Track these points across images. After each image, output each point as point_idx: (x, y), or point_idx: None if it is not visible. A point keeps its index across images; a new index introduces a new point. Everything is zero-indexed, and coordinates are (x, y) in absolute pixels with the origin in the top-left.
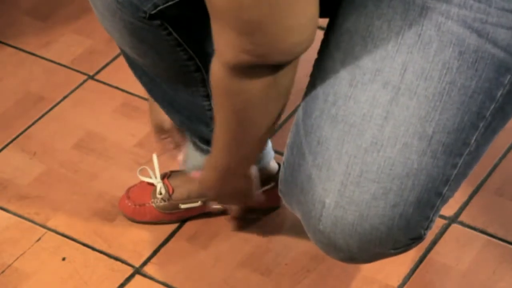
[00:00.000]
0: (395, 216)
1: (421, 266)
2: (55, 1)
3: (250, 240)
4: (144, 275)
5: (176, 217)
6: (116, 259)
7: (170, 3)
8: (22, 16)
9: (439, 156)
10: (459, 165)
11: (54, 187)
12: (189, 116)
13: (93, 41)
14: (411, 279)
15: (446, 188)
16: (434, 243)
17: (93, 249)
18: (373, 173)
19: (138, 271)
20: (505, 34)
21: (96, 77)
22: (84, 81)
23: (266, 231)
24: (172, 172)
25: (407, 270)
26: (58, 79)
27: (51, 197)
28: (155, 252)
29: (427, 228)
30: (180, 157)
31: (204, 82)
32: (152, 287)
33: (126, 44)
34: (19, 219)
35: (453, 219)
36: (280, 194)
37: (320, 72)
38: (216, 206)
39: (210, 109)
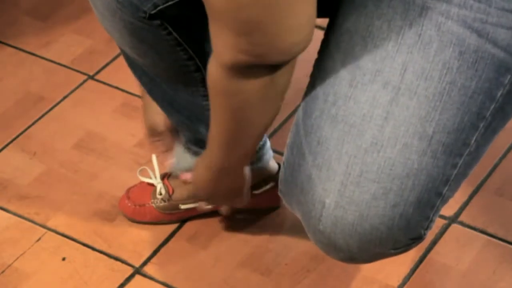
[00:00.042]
0: (395, 216)
1: (421, 266)
2: (55, 1)
3: (250, 240)
4: (144, 275)
5: (176, 217)
6: (116, 259)
7: (170, 3)
8: (22, 16)
9: (439, 156)
10: (459, 165)
11: (54, 187)
12: (189, 116)
13: (93, 41)
14: (411, 279)
15: (446, 188)
16: (434, 243)
17: (93, 249)
18: (373, 173)
19: (138, 271)
20: (505, 34)
21: (96, 77)
22: (84, 81)
23: (266, 231)
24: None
25: (407, 270)
26: (58, 79)
27: (51, 197)
28: (155, 252)
29: (427, 228)
30: (169, 160)
31: (204, 82)
32: (152, 287)
33: (126, 44)
34: (19, 219)
35: (453, 219)
36: (280, 194)
37: (320, 72)
38: (207, 206)
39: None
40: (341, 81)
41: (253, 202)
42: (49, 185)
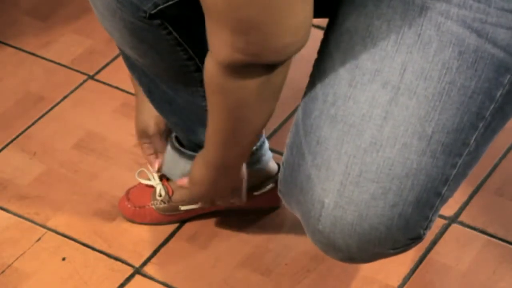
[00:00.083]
0: (394, 216)
1: (421, 266)
2: (55, 1)
3: (250, 240)
4: (144, 275)
5: (176, 218)
6: (116, 259)
7: (170, 2)
8: (22, 16)
9: (438, 156)
10: (458, 165)
11: (54, 187)
12: (187, 117)
13: (93, 41)
14: (411, 279)
15: (446, 188)
16: (434, 243)
17: (93, 249)
18: (372, 173)
19: (138, 271)
20: (504, 34)
21: (96, 77)
22: (84, 81)
23: (266, 231)
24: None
25: (407, 270)
26: (58, 79)
27: (51, 197)
28: (155, 252)
29: (427, 228)
30: (156, 164)
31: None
32: (152, 287)
33: (126, 44)
34: (19, 219)
35: (453, 219)
36: (279, 194)
37: (320, 72)
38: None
39: None
40: (340, 81)
41: (253, 202)
42: (49, 185)
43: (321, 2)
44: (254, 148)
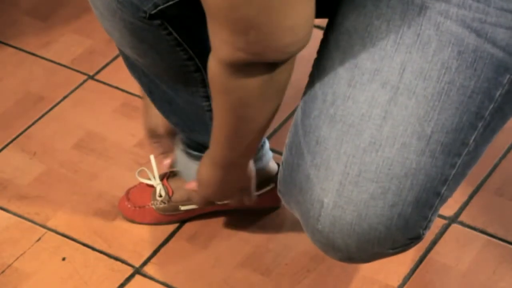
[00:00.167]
0: (393, 216)
1: (421, 266)
2: (55, 1)
3: (250, 240)
4: (144, 275)
5: (176, 218)
6: (116, 259)
7: (170, 2)
8: (22, 16)
9: (437, 156)
10: (457, 165)
11: (54, 187)
12: (188, 116)
13: (93, 41)
14: (411, 279)
15: (445, 188)
16: (434, 243)
17: (93, 249)
18: (371, 173)
19: (138, 271)
20: (504, 34)
21: (96, 77)
22: (84, 81)
23: (266, 231)
24: (171, 172)
25: (407, 270)
26: (58, 79)
27: (51, 197)
28: (155, 252)
29: (426, 228)
30: (166, 161)
31: (204, 82)
32: (152, 287)
33: (126, 44)
34: (19, 219)
35: (453, 219)
36: (279, 194)
37: (319, 72)
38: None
39: (210, 110)
40: (339, 80)
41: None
42: (49, 185)
43: (321, 2)
44: None
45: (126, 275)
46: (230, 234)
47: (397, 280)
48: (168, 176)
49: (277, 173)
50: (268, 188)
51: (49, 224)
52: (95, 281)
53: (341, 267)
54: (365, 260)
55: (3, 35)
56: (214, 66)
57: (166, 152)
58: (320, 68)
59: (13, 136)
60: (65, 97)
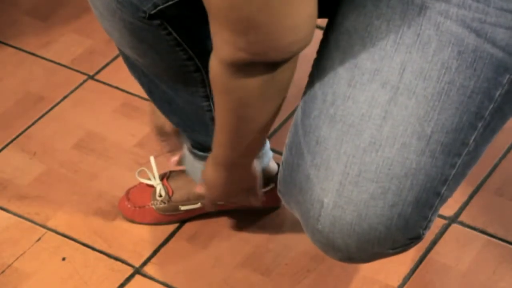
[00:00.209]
0: (393, 216)
1: (421, 266)
2: (55, 1)
3: (250, 240)
4: (144, 275)
5: (177, 218)
6: (116, 259)
7: (170, 2)
8: (22, 16)
9: (437, 156)
10: (457, 165)
11: (54, 187)
12: (188, 116)
13: (93, 41)
14: (411, 279)
15: (445, 188)
16: (434, 243)
17: (93, 249)
18: (371, 173)
19: (138, 271)
20: (503, 34)
21: (96, 77)
22: (84, 81)
23: (266, 231)
24: (171, 172)
25: (407, 270)
26: (58, 79)
27: (51, 197)
28: (155, 252)
29: (426, 228)
30: (174, 159)
31: (204, 82)
32: (152, 287)
33: (125, 44)
34: (19, 219)
35: (453, 219)
36: (279, 194)
37: (319, 72)
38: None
39: (210, 110)
40: (339, 80)
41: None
42: (49, 185)
43: (321, 2)
44: None
45: (126, 275)
46: (230, 234)
47: (397, 280)
48: (168, 176)
49: (277, 173)
50: (268, 188)
51: (49, 224)
52: (95, 281)
53: (341, 267)
54: (365, 260)
55: (3, 35)
56: (215, 66)
57: (173, 150)
58: (320, 68)
59: (13, 136)
60: (65, 97)
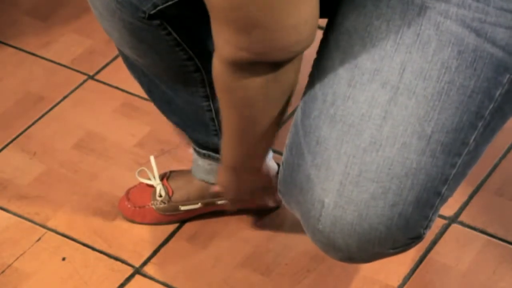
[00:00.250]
0: (394, 216)
1: (421, 266)
2: (55, 1)
3: (250, 240)
4: (144, 275)
5: (176, 218)
6: (116, 259)
7: (169, 3)
8: (22, 16)
9: (438, 156)
10: (458, 164)
11: (54, 187)
12: (188, 116)
13: (93, 41)
14: (411, 279)
15: (445, 187)
16: (434, 243)
17: (93, 249)
18: (372, 173)
19: (138, 271)
20: (503, 34)
21: (96, 77)
22: (84, 81)
23: (266, 231)
24: (171, 172)
25: (407, 270)
26: (58, 79)
27: (51, 197)
28: (155, 252)
29: (426, 227)
30: (191, 150)
31: (204, 82)
32: (152, 287)
33: (125, 44)
34: (19, 219)
35: (453, 219)
36: (279, 194)
37: (319, 72)
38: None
39: (210, 110)
40: (339, 80)
41: (253, 202)
42: (49, 185)
43: (321, 2)
44: None
45: (126, 275)
46: (230, 234)
47: (397, 280)
48: (168, 176)
49: (277, 173)
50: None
51: (49, 224)
52: (95, 281)
53: (342, 267)
54: (365, 260)
55: (3, 35)
56: (217, 65)
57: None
58: (320, 68)
59: (13, 136)
60: (65, 97)
